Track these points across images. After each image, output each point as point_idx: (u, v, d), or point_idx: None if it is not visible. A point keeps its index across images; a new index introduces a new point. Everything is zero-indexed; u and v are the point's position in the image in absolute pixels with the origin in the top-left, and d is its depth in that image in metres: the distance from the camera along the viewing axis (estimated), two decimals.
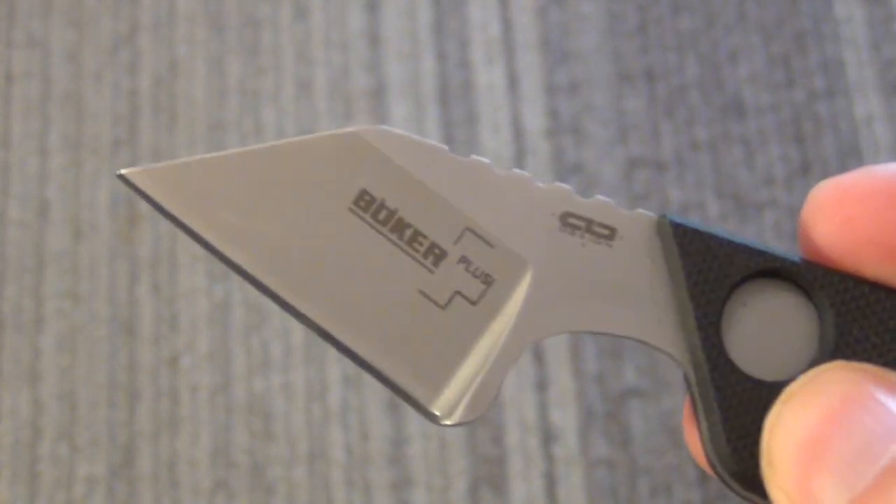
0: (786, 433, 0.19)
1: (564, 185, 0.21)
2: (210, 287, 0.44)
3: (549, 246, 0.21)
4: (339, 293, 0.21)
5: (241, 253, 0.21)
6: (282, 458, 0.42)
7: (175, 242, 0.45)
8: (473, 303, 0.21)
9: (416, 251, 0.21)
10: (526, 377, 0.43)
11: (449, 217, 0.21)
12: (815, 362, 0.20)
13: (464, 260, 0.21)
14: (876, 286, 0.20)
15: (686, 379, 0.21)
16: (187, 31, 0.48)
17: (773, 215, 0.44)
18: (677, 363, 0.21)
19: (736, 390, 0.20)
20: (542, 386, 0.43)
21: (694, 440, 0.21)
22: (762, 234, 0.44)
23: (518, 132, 0.46)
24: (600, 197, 0.21)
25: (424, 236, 0.21)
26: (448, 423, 0.21)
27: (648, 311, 0.21)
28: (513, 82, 0.46)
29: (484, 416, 0.22)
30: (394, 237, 0.21)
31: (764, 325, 0.21)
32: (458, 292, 0.21)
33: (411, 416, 0.42)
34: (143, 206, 0.46)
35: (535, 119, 0.46)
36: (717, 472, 0.20)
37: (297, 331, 0.43)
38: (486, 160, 0.22)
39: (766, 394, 0.20)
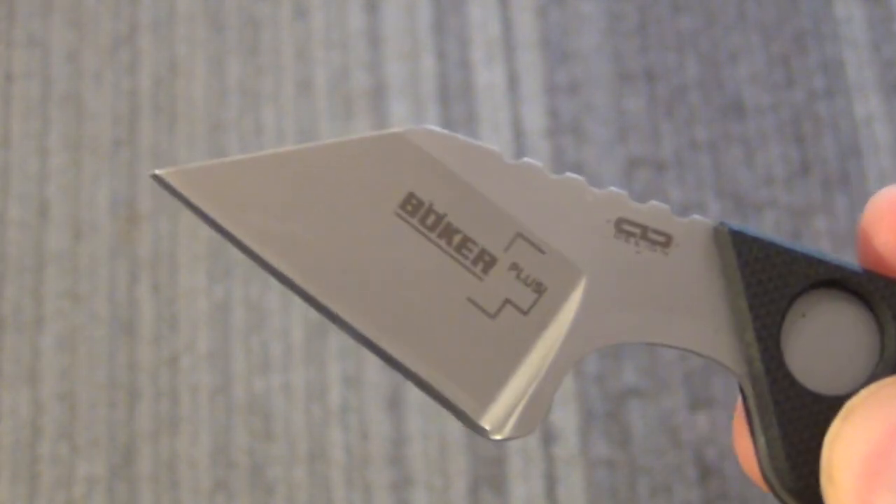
0: (846, 448, 0.18)
1: (619, 190, 0.20)
2: (210, 287, 0.44)
3: (603, 253, 0.20)
4: (384, 301, 0.20)
5: (282, 259, 0.20)
6: (282, 459, 0.42)
7: (175, 242, 0.45)
8: (524, 312, 0.20)
9: (465, 258, 0.20)
10: None
11: (499, 222, 0.20)
12: (875, 376, 0.20)
13: (514, 267, 0.20)
14: None
15: (742, 391, 0.20)
16: (187, 31, 0.48)
17: (773, 215, 0.44)
18: (734, 375, 0.20)
19: (795, 405, 0.19)
20: None
21: (745, 452, 0.20)
22: None
23: (518, 132, 0.46)
24: (655, 202, 0.20)
25: (474, 242, 0.20)
26: (498, 437, 0.20)
27: (705, 321, 0.20)
28: (513, 82, 0.46)
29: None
30: (442, 243, 0.20)
31: (824, 338, 0.20)
32: (508, 301, 0.20)
33: (411, 416, 0.42)
34: (144, 206, 0.46)
35: (535, 119, 0.46)
36: (772, 489, 0.20)
37: (297, 331, 0.43)
38: (538, 163, 0.21)
39: (825, 408, 0.19)
